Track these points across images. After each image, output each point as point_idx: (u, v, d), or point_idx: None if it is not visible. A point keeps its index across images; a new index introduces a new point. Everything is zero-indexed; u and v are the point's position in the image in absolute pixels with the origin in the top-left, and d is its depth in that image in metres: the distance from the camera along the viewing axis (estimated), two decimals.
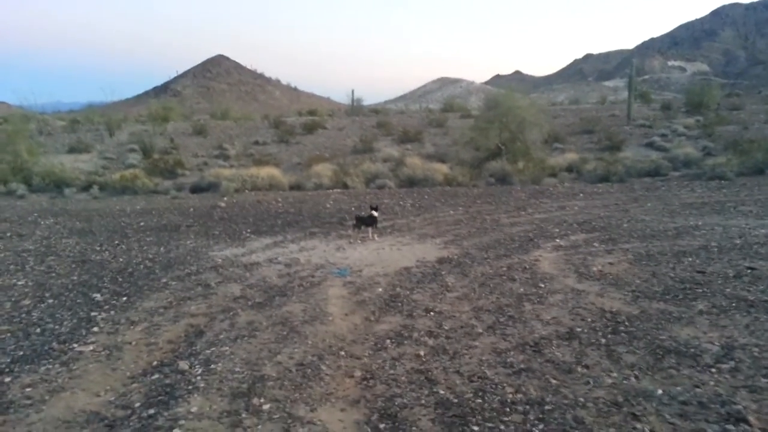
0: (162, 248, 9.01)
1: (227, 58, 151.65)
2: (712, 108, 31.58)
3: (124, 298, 6.22)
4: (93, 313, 5.69)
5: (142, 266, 7.78)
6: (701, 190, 13.94)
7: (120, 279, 7.09)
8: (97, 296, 6.31)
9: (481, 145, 22.28)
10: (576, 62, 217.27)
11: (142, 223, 11.58)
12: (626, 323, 4.82)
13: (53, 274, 7.44)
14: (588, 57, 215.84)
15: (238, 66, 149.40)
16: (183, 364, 4.30)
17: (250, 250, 8.64)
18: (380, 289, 6.21)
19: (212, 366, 4.27)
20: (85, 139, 27.36)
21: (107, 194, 17.90)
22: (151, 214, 12.97)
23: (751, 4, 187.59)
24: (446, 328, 4.92)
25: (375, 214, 9.08)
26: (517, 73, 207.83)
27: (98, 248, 9.14)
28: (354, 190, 17.19)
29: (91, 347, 4.79)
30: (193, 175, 21.01)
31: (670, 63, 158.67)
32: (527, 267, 6.89)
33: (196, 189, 18.33)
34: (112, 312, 5.73)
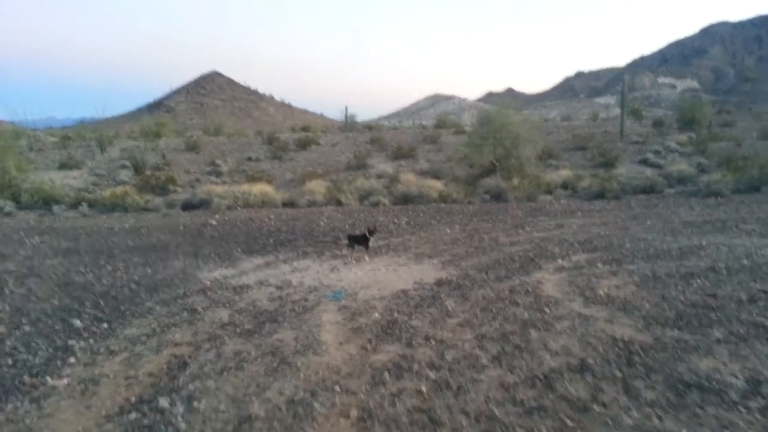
0: (149, 269, 8.65)
1: (221, 75, 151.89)
2: (704, 125, 31.80)
3: (105, 325, 5.86)
4: (71, 342, 5.33)
5: (126, 289, 7.42)
6: (700, 208, 13.73)
7: (102, 303, 6.73)
8: (77, 322, 5.94)
9: (476, 162, 22.20)
10: (567, 79, 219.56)
11: (130, 243, 11.22)
12: (641, 353, 4.50)
13: (33, 298, 7.06)
14: (579, 74, 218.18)
15: (231, 82, 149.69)
16: (163, 402, 3.95)
17: (241, 271, 8.30)
18: (377, 315, 5.88)
19: (195, 403, 3.93)
20: (75, 156, 27.03)
21: (97, 212, 17.54)
22: (140, 232, 12.61)
23: (740, 22, 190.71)
24: (448, 358, 4.59)
25: (367, 234, 8.80)
26: (510, 90, 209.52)
27: (82, 269, 8.77)
28: (348, 207, 16.92)
29: (65, 381, 4.44)
30: (184, 191, 20.73)
31: (660, 80, 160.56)
32: (530, 290, 6.57)
33: (187, 206, 18.00)
34: (92, 340, 5.38)
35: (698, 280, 6.67)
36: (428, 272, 7.82)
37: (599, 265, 7.77)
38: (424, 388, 4.04)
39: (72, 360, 4.87)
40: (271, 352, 4.88)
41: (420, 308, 6.06)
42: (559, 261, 8.14)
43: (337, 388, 4.12)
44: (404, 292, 6.80)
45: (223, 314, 6.09)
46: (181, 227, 13.09)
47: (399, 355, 4.70)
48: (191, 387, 4.21)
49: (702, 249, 8.59)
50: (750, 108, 62.85)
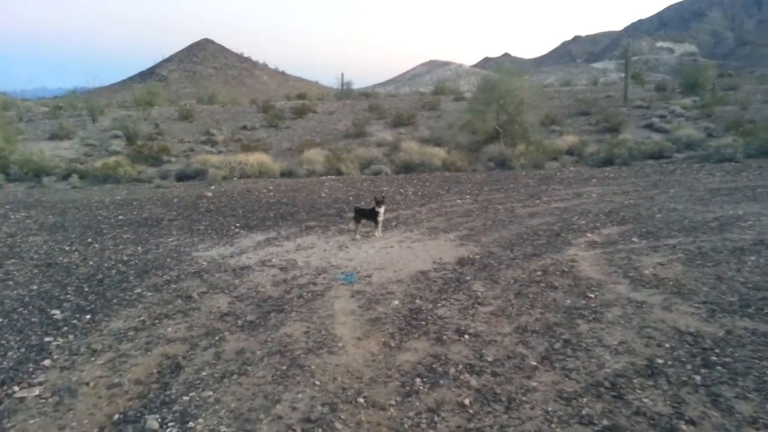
0: (139, 247, 7.92)
1: (213, 42, 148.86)
2: (707, 88, 30.95)
3: (88, 316, 5.14)
4: (47, 339, 4.61)
5: (114, 271, 6.70)
6: (720, 174, 13.02)
7: (87, 289, 6.01)
8: (56, 313, 5.23)
9: (478, 129, 21.35)
10: (565, 44, 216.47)
11: (120, 217, 10.47)
12: (716, 350, 3.84)
13: (10, 283, 6.34)
14: (576, 39, 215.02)
15: (224, 50, 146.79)
16: (152, 421, 3.25)
17: (240, 250, 7.57)
18: (396, 302, 5.18)
19: (191, 423, 3.23)
20: (66, 126, 25.98)
21: (88, 183, 16.70)
22: (132, 205, 11.85)
23: None
24: (489, 359, 3.90)
25: (378, 210, 7.94)
26: (506, 55, 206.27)
27: (67, 248, 8.04)
28: (349, 176, 16.12)
29: (36, 391, 3.73)
30: (178, 161, 19.87)
31: (658, 44, 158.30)
32: (566, 270, 5.88)
33: (181, 177, 17.18)
34: (71, 336, 4.66)
35: (751, 257, 5.99)
36: (446, 249, 7.11)
37: (635, 239, 7.07)
38: (467, 401, 3.36)
39: (47, 362, 4.16)
40: (278, 351, 4.18)
41: (445, 293, 5.35)
42: (589, 235, 7.44)
43: (361, 401, 3.43)
44: (424, 273, 6.09)
45: (222, 302, 5.38)
46: (175, 199, 12.32)
47: (430, 355, 4.02)
48: (186, 399, 3.52)
49: (741, 220, 7.91)
50: (752, 71, 61.74)
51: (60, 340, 4.58)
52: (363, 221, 8.24)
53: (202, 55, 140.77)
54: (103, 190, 14.92)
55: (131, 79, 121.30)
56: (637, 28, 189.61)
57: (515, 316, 4.68)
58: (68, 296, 5.77)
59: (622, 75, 39.99)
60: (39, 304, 5.55)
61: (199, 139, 24.01)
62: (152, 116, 29.04)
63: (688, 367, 3.64)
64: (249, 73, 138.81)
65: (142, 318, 5.02)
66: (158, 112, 30.62)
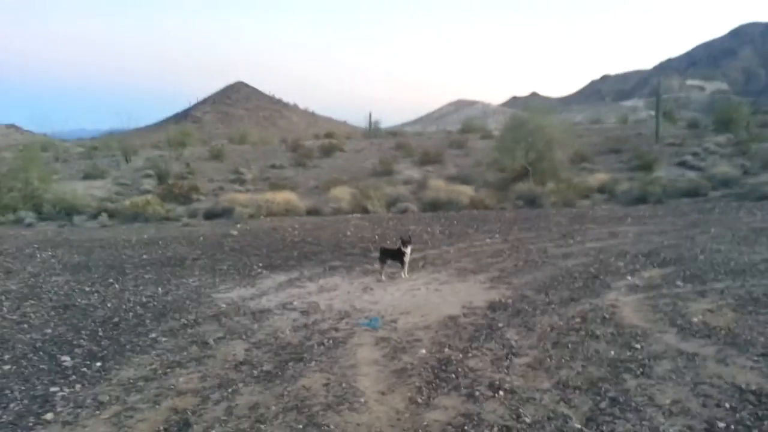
0: (160, 288, 7.73)
1: (246, 85, 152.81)
2: (741, 125, 30.33)
3: (99, 363, 4.89)
4: (53, 389, 4.36)
5: (131, 314, 6.48)
6: (761, 213, 12.41)
7: (101, 333, 5.79)
8: (66, 360, 5.00)
9: (507, 166, 21.13)
10: (593, 83, 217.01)
11: (144, 256, 10.35)
12: None
13: (24, 326, 6.16)
14: (605, 78, 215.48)
15: (256, 92, 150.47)
16: None
17: (261, 291, 7.31)
18: (423, 351, 4.81)
19: None
20: (100, 165, 26.57)
21: (117, 222, 16.81)
22: (157, 244, 11.76)
23: None
24: (527, 420, 3.50)
25: (405, 250, 7.62)
26: (534, 94, 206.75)
27: (88, 289, 7.89)
28: (375, 214, 15.89)
29: None
30: (208, 200, 20.04)
31: (688, 82, 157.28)
32: (606, 317, 5.46)
33: (209, 215, 17.22)
34: (78, 386, 4.41)
35: None
36: (476, 292, 6.74)
37: (679, 282, 6.61)
38: None
39: (49, 416, 3.90)
40: (295, 407, 3.84)
41: (476, 342, 4.97)
42: (629, 278, 7.00)
43: None
44: (452, 318, 5.72)
45: (239, 349, 5.09)
46: (201, 238, 12.21)
47: (461, 414, 3.63)
48: None
49: None
50: None
51: (66, 391, 4.32)
52: (389, 262, 7.93)
53: (235, 97, 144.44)
54: (131, 229, 14.95)
55: (167, 120, 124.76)
56: (667, 67, 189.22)
57: (554, 369, 4.27)
58: (81, 341, 5.54)
59: (652, 113, 39.54)
60: (50, 349, 5.33)
61: (229, 178, 24.26)
62: (184, 156, 29.53)
63: None
64: (280, 113, 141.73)
65: (153, 366, 4.75)
66: (190, 152, 31.15)
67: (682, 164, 22.84)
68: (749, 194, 15.83)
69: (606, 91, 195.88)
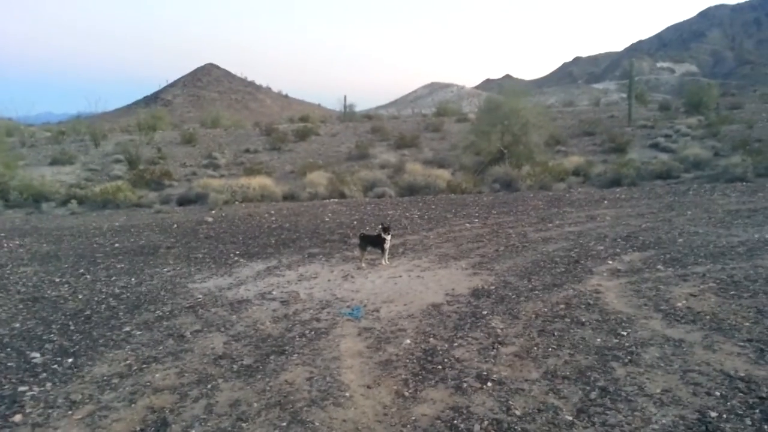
0: (133, 279, 7.50)
1: (217, 67, 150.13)
2: (711, 108, 30.85)
3: (70, 360, 4.69)
4: (22, 388, 4.16)
5: (103, 306, 6.27)
6: (735, 195, 12.55)
7: (72, 327, 5.57)
8: (36, 357, 4.78)
9: (483, 150, 21.05)
10: (565, 65, 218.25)
11: (116, 245, 10.07)
12: None
13: None
14: (577, 60, 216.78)
15: (228, 74, 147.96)
16: None
17: (239, 281, 7.13)
18: (408, 341, 4.71)
19: None
20: (68, 151, 25.82)
21: (87, 209, 16.36)
22: (129, 232, 11.45)
23: (738, 5, 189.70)
24: (517, 412, 3.43)
25: (385, 237, 7.50)
26: (508, 76, 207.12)
27: (58, 279, 7.63)
28: (352, 199, 15.73)
29: None
30: (180, 185, 19.61)
31: (658, 64, 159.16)
32: (591, 303, 5.42)
33: (182, 201, 16.86)
34: (49, 384, 4.21)
35: None
36: (459, 279, 6.65)
37: (660, 267, 6.61)
38: None
39: (17, 418, 3.70)
40: (278, 403, 3.71)
41: (461, 330, 4.88)
42: (610, 262, 6.98)
43: None
44: (436, 307, 5.63)
45: (217, 342, 4.92)
46: (174, 225, 11.92)
47: (449, 407, 3.54)
48: None
49: None
50: (755, 90, 61.72)
51: (36, 390, 4.13)
52: (369, 248, 7.81)
53: (206, 79, 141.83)
54: (102, 216, 14.58)
55: (136, 104, 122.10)
56: (638, 49, 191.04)
57: (542, 358, 4.20)
58: (52, 336, 5.33)
59: (624, 95, 39.93)
60: (19, 345, 5.10)
61: (202, 162, 23.81)
62: (155, 141, 28.90)
63: (747, 421, 3.16)
64: (252, 96, 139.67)
65: (128, 362, 4.57)
66: (161, 136, 30.48)
67: (655, 146, 23.10)
68: (721, 176, 16.04)
69: (578, 73, 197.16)
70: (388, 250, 7.72)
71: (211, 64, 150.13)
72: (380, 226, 7.67)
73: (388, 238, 7.50)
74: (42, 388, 4.15)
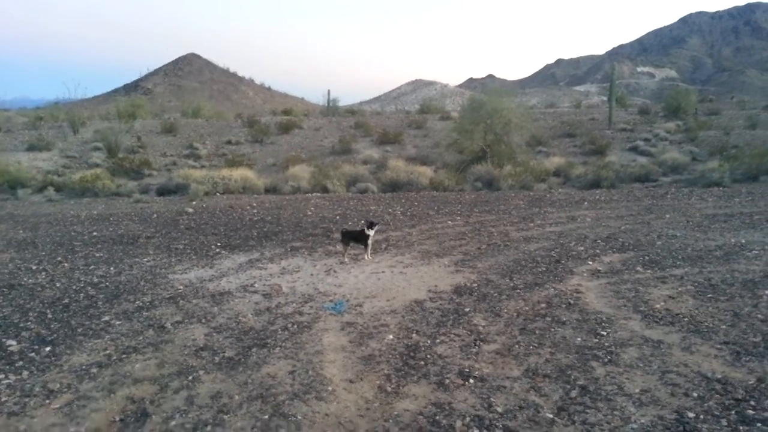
0: (112, 268, 7.40)
1: (199, 57, 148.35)
2: (689, 113, 31.37)
3: (48, 348, 4.62)
4: None
5: (82, 295, 6.18)
6: (712, 200, 12.78)
7: (50, 315, 5.48)
8: (12, 344, 4.70)
9: (465, 148, 21.15)
10: (548, 67, 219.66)
11: (95, 233, 9.93)
12: (751, 402, 3.43)
13: None
14: (559, 62, 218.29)
15: (210, 64, 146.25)
16: None
17: (220, 272, 7.08)
18: (391, 336, 4.72)
19: None
20: (46, 137, 25.31)
21: (65, 196, 16.12)
22: (108, 221, 11.30)
23: (717, 12, 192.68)
24: (499, 409, 3.46)
25: (369, 232, 7.51)
26: (491, 76, 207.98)
27: (35, 267, 7.50)
28: (335, 194, 15.70)
29: None
30: (160, 175, 19.37)
31: (639, 69, 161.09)
32: (571, 302, 5.48)
33: (162, 191, 16.68)
34: (25, 373, 4.14)
35: (766, 291, 5.64)
36: (441, 276, 6.68)
37: (639, 268, 6.71)
38: None
39: None
40: (260, 396, 3.70)
41: (443, 327, 4.90)
42: (590, 263, 7.07)
43: None
44: (419, 303, 5.64)
45: (198, 333, 4.88)
46: (154, 215, 11.79)
47: (431, 403, 3.56)
48: None
49: (745, 249, 7.60)
50: (732, 97, 62.89)
51: (12, 378, 4.05)
52: (352, 244, 7.80)
53: (188, 69, 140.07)
54: (80, 204, 14.36)
55: (116, 91, 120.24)
56: (619, 53, 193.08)
57: (523, 356, 4.24)
58: (29, 324, 5.23)
59: (604, 98, 40.34)
60: None
61: (182, 153, 23.56)
62: (135, 129, 28.47)
63: (723, 422, 3.22)
64: (234, 88, 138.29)
65: (108, 351, 4.51)
66: (141, 125, 30.05)
67: (634, 149, 23.44)
68: (698, 180, 16.35)
69: (560, 75, 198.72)
70: (371, 246, 7.73)
71: (193, 54, 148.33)
72: (364, 222, 7.67)
73: (372, 233, 7.51)
74: (18, 377, 4.08)
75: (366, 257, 7.68)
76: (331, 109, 42.63)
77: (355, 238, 7.72)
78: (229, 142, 26.08)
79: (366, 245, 7.66)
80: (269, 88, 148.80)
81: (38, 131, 28.15)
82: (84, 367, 4.24)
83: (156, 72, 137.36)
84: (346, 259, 7.64)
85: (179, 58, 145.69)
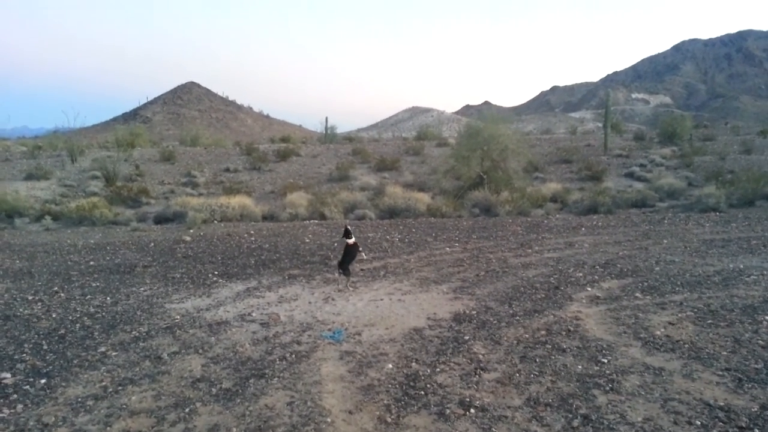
0: (109, 298, 7.35)
1: (198, 85, 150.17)
2: (684, 139, 31.69)
3: (43, 380, 4.56)
4: None
5: (78, 325, 6.12)
6: (709, 225, 12.82)
7: (45, 346, 5.43)
8: (7, 377, 4.64)
9: (462, 174, 21.26)
10: (543, 93, 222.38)
11: (92, 263, 9.88)
12: (756, 430, 3.40)
13: None
14: (554, 89, 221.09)
15: (209, 93, 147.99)
16: None
17: (217, 301, 7.03)
18: (390, 365, 4.68)
19: None
20: (44, 166, 25.40)
21: (62, 225, 16.09)
22: (105, 250, 11.26)
23: (710, 40, 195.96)
24: None
25: (349, 240, 7.42)
26: (487, 103, 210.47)
27: (31, 297, 7.44)
28: (333, 221, 15.70)
29: None
30: (158, 203, 19.39)
31: (633, 95, 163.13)
32: (571, 329, 5.45)
33: (160, 219, 16.66)
34: (20, 407, 4.08)
35: (766, 317, 5.62)
36: (440, 303, 6.65)
37: (638, 294, 6.69)
38: None
39: None
40: (258, 428, 3.64)
41: (443, 356, 4.86)
42: (589, 289, 7.05)
43: None
44: (418, 331, 5.60)
45: (195, 364, 4.83)
46: (152, 244, 11.76)
47: None
48: None
49: (743, 274, 7.61)
50: (726, 123, 63.64)
51: (6, 412, 3.99)
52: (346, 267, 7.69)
53: (187, 97, 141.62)
54: (77, 233, 14.32)
55: (115, 120, 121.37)
56: (613, 80, 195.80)
57: (524, 384, 4.20)
58: (24, 355, 5.17)
59: (600, 124, 40.77)
60: None
61: (180, 181, 23.63)
62: (133, 157, 28.61)
63: None
64: (233, 116, 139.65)
65: (104, 383, 4.46)
66: (140, 153, 30.22)
67: (630, 175, 23.61)
68: (695, 206, 16.41)
69: (555, 102, 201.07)
70: (369, 271, 7.64)
71: (193, 83, 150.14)
72: (345, 229, 7.58)
73: (351, 241, 7.43)
74: (13, 410, 4.02)
75: (343, 284, 7.58)
76: (328, 136, 42.93)
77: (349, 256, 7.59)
78: (227, 170, 26.19)
79: (344, 271, 7.54)
80: (267, 116, 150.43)
81: (37, 160, 28.27)
82: (80, 399, 4.18)
83: (155, 100, 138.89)
84: (345, 287, 7.60)
85: (179, 86, 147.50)
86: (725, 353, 4.68)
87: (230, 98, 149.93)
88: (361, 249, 7.67)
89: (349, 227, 7.59)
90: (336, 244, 11.04)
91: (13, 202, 17.86)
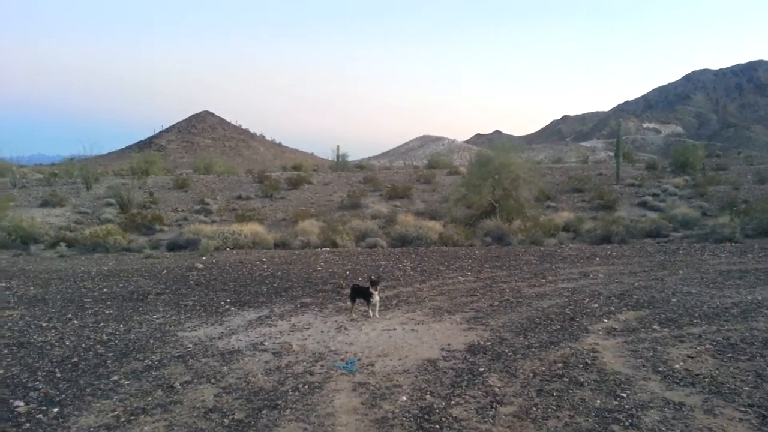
0: (122, 325, 7.35)
1: (212, 114, 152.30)
2: (697, 168, 31.55)
3: (56, 409, 4.54)
4: None
5: (91, 353, 6.11)
6: (725, 256, 12.66)
7: (59, 374, 5.42)
8: (20, 405, 4.63)
9: (474, 203, 21.25)
10: (554, 123, 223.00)
11: (105, 290, 9.91)
12: None
13: None
14: (566, 118, 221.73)
15: (222, 122, 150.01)
16: None
17: (230, 330, 7.01)
18: (404, 397, 4.61)
19: None
20: (60, 193, 25.75)
21: (76, 252, 16.20)
22: (119, 277, 11.30)
23: (721, 70, 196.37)
24: None
25: (373, 291, 7.39)
26: (497, 132, 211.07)
27: (45, 324, 7.46)
28: (345, 249, 15.69)
29: None
30: (171, 230, 19.54)
31: (645, 125, 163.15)
32: (588, 362, 5.36)
33: (173, 246, 16.74)
34: None
35: None
36: (453, 334, 6.58)
37: (655, 326, 6.59)
38: None
39: None
40: None
41: (458, 388, 4.79)
42: (605, 320, 6.96)
43: None
44: (432, 362, 5.54)
45: (208, 394, 4.79)
46: (164, 271, 11.79)
47: None
48: None
49: (762, 306, 7.50)
50: (739, 153, 63.39)
51: None
52: (359, 300, 7.71)
53: (201, 126, 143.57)
54: (91, 260, 14.41)
55: (130, 148, 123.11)
56: (624, 109, 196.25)
57: (541, 419, 4.12)
58: (37, 383, 5.17)
59: (611, 153, 40.74)
60: (2, 392, 4.94)
61: (194, 208, 23.82)
62: (147, 185, 28.93)
63: None
64: (246, 144, 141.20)
65: (116, 413, 4.43)
66: (154, 180, 30.57)
67: (643, 204, 23.50)
68: (710, 236, 16.22)
69: (566, 131, 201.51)
70: (378, 305, 7.60)
71: (207, 111, 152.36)
72: (369, 280, 7.58)
73: (376, 292, 7.42)
74: None
75: (371, 315, 7.55)
76: (340, 164, 43.27)
77: (363, 295, 7.62)
78: (239, 197, 26.40)
79: (368, 303, 7.54)
80: (280, 144, 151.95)
81: (52, 187, 28.66)
82: (92, 429, 4.16)
83: (170, 129, 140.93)
84: (354, 315, 7.56)
85: (193, 115, 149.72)
86: (747, 388, 4.57)
87: (243, 126, 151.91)
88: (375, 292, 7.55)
89: (375, 281, 7.51)
90: (348, 273, 11.02)
91: (28, 229, 18.07)
